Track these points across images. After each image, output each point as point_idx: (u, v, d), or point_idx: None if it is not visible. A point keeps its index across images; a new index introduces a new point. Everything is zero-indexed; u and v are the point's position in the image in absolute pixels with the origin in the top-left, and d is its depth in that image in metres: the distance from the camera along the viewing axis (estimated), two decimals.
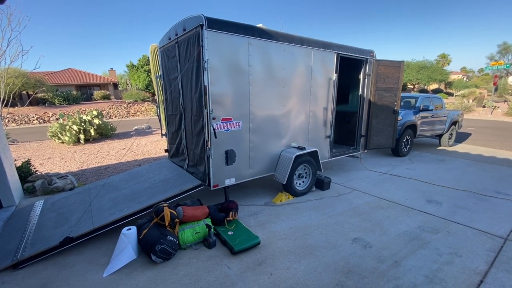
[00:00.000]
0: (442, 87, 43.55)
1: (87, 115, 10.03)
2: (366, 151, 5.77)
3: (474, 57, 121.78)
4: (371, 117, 5.53)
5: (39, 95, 21.59)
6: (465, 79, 48.74)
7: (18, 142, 10.03)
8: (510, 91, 24.43)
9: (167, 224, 2.80)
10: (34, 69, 7.53)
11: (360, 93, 5.43)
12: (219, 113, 3.37)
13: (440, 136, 8.15)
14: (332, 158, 5.10)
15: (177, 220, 2.89)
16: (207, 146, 3.32)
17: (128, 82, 31.96)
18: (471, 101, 23.14)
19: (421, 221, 3.46)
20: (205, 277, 2.42)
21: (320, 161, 4.46)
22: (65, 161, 6.78)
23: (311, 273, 2.47)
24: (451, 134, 8.24)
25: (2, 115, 8.76)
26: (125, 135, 11.18)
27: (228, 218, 3.30)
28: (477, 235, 3.14)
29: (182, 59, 3.73)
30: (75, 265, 2.61)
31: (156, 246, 2.55)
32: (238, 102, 3.53)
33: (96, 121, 9.73)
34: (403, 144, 6.89)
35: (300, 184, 4.39)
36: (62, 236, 2.76)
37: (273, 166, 4.14)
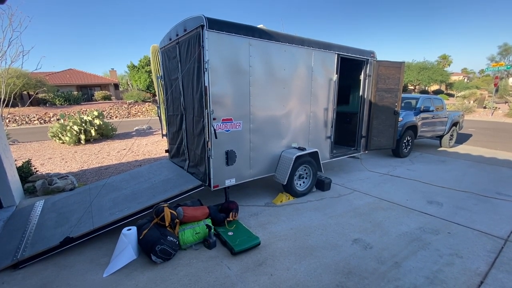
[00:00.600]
0: (443, 88, 43.53)
1: (87, 116, 10.05)
2: (366, 152, 5.76)
3: (475, 58, 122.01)
4: (371, 118, 5.53)
5: (40, 95, 21.62)
6: (466, 80, 48.74)
7: (19, 142, 10.05)
8: (510, 92, 24.41)
9: (167, 224, 2.79)
10: (35, 69, 7.57)
11: (360, 94, 5.43)
12: (220, 113, 3.37)
13: (440, 137, 8.14)
14: (333, 159, 5.09)
15: (177, 220, 2.89)
16: (207, 146, 3.32)
17: (129, 83, 32.01)
18: (471, 102, 23.10)
19: (421, 222, 3.46)
20: (205, 278, 2.41)
21: (321, 162, 4.46)
22: (66, 161, 6.79)
23: (311, 274, 2.47)
24: (451, 135, 8.23)
25: (3, 115, 8.78)
26: (126, 135, 11.20)
27: (228, 219, 3.30)
28: (477, 236, 3.14)
29: (183, 59, 3.74)
30: (75, 265, 2.61)
31: (156, 247, 2.55)
32: (239, 102, 3.54)
33: (97, 121, 9.75)
34: (403, 145, 6.88)
35: (300, 184, 4.39)
36: (63, 236, 2.76)
37: (274, 167, 4.13)
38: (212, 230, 2.95)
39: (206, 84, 3.16)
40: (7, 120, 17.73)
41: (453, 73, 46.95)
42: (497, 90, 21.53)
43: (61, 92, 22.95)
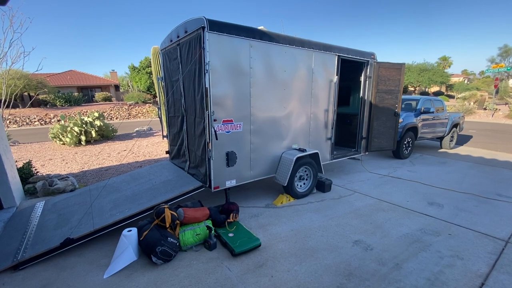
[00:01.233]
0: (443, 89, 43.51)
1: (88, 117, 10.06)
2: (367, 153, 5.76)
3: (475, 59, 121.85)
4: (372, 119, 5.53)
5: (40, 96, 21.66)
6: (466, 81, 48.68)
7: (20, 143, 10.06)
8: (511, 93, 24.41)
9: (167, 225, 2.79)
10: (36, 70, 7.58)
11: (361, 95, 5.44)
12: (220, 114, 3.37)
13: (441, 138, 8.14)
14: (333, 160, 5.09)
15: (177, 221, 2.89)
16: (208, 147, 3.32)
17: (129, 84, 32.05)
18: (472, 103, 23.08)
19: (422, 224, 3.45)
20: (206, 279, 2.41)
21: (321, 163, 4.45)
22: (66, 163, 6.80)
23: (312, 275, 2.46)
24: (452, 137, 8.23)
25: (4, 116, 8.80)
26: (126, 136, 11.21)
27: (228, 220, 3.29)
28: (478, 237, 3.13)
29: (184, 61, 3.75)
30: (75, 266, 2.61)
31: (157, 248, 2.55)
32: (239, 104, 3.54)
33: (97, 122, 9.76)
34: (404, 146, 6.88)
35: (301, 186, 4.39)
36: (63, 237, 2.77)
37: (274, 168, 4.13)
38: (213, 231, 2.95)
39: (207, 85, 3.17)
40: (7, 121, 17.75)
41: (453, 74, 46.96)
42: (497, 92, 21.54)
43: (62, 93, 23.00)
